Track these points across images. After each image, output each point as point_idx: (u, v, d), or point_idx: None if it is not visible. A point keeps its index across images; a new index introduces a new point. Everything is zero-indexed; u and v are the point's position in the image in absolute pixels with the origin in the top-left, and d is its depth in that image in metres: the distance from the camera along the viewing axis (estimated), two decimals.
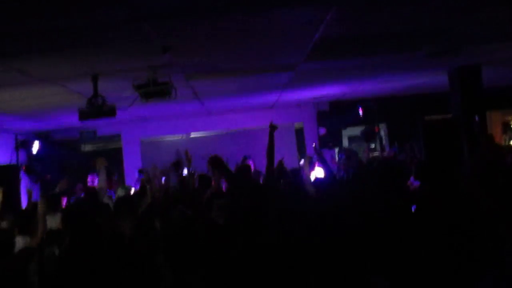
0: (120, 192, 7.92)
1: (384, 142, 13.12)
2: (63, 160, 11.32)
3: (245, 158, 10.01)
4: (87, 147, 13.57)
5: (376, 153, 12.57)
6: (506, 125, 7.93)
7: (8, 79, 6.46)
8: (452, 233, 4.04)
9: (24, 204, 8.98)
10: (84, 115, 6.75)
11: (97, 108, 6.63)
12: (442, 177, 4.58)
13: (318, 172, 7.35)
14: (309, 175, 6.63)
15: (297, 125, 14.42)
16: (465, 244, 3.94)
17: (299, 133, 14.27)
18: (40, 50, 5.43)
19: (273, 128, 5.78)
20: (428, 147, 8.71)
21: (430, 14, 5.64)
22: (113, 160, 11.69)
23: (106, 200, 7.00)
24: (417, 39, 6.77)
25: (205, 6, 4.59)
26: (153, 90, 6.46)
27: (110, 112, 6.76)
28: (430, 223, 4.15)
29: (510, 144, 7.63)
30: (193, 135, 14.74)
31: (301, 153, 13.56)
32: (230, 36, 5.75)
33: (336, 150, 13.59)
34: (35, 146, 11.39)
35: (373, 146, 13.38)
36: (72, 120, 9.87)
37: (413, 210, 4.73)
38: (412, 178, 6.90)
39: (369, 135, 12.71)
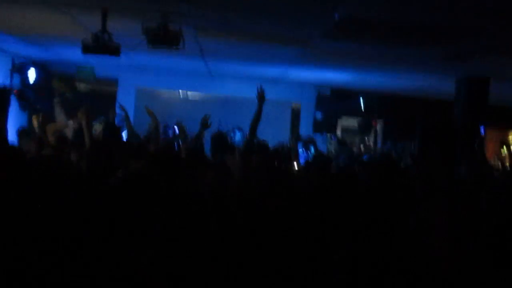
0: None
1: (378, 138, 13.04)
2: (60, 94, 11.05)
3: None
4: (81, 86, 13.30)
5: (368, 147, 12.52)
6: (503, 143, 7.88)
7: None
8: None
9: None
10: (87, 49, 6.53)
11: (102, 44, 6.43)
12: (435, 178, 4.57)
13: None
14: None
15: (294, 105, 14.28)
16: None
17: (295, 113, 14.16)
18: None
19: (261, 99, 5.63)
20: (423, 149, 8.64)
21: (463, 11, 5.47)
22: (106, 105, 11.49)
23: None
24: (439, 36, 6.62)
25: None
26: (162, 37, 6.26)
27: (115, 50, 6.56)
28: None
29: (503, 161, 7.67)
30: (190, 96, 14.53)
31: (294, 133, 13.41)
32: None
33: (328, 136, 13.46)
34: (32, 74, 11.17)
35: (366, 139, 13.30)
36: (72, 53, 9.65)
37: None
38: None
39: (366, 128, 12.62)
